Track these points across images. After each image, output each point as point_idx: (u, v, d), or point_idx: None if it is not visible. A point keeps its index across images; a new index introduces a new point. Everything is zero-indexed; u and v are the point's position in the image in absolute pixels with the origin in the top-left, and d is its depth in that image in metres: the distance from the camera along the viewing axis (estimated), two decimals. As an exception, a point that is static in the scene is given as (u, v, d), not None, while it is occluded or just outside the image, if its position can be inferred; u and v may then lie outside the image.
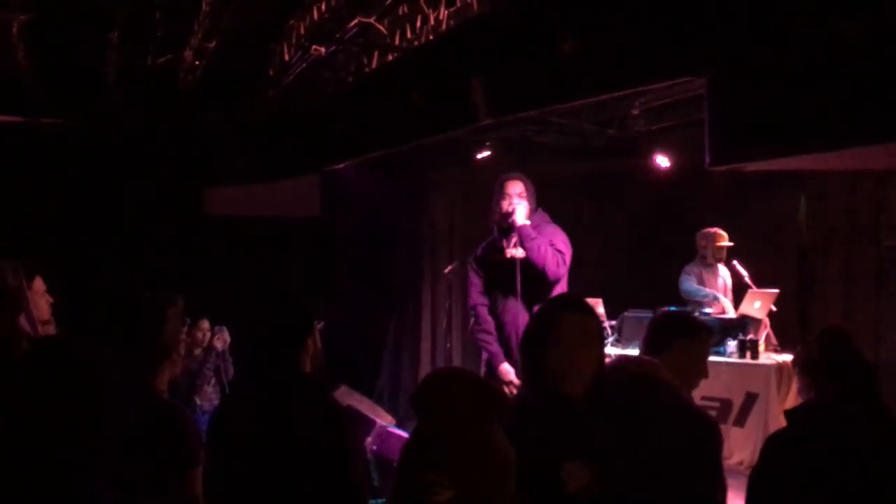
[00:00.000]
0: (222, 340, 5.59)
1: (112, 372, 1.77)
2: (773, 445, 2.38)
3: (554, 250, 4.35)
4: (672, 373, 2.45)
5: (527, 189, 4.48)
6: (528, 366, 2.22)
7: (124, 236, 6.59)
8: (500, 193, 4.48)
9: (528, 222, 4.39)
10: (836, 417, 2.29)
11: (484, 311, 4.59)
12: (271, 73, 5.60)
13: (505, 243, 4.42)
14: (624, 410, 2.15)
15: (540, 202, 4.67)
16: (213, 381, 5.38)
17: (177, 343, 2.91)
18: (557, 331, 2.13)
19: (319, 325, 2.65)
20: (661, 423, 2.18)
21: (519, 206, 4.39)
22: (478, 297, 4.62)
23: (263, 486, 2.27)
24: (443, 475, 1.47)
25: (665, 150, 6.84)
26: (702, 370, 2.64)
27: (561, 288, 4.41)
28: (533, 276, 4.34)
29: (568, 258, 4.40)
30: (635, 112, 6.17)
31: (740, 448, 5.67)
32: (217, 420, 2.56)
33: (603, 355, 2.23)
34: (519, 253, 4.35)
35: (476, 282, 4.64)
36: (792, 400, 5.29)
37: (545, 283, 4.34)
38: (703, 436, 2.30)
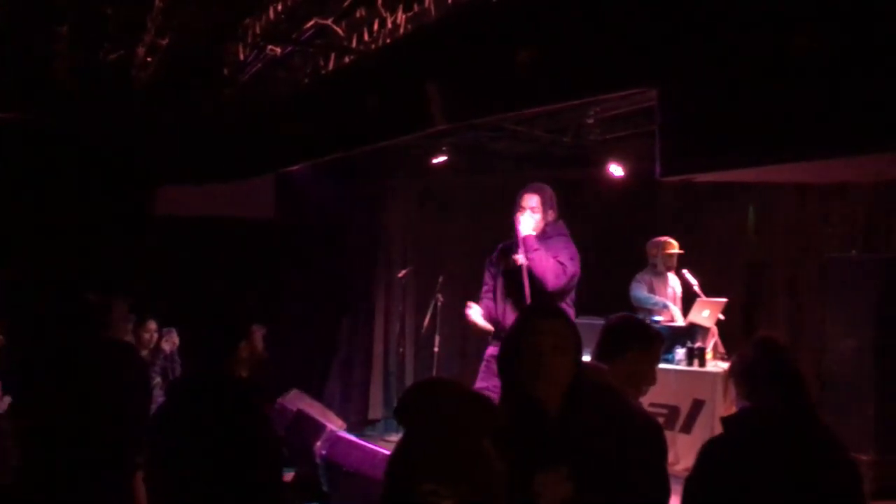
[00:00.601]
0: (171, 342, 5.51)
1: (49, 371, 1.74)
2: (709, 451, 2.42)
3: (556, 262, 4.48)
4: (622, 379, 2.48)
5: (543, 202, 4.68)
6: (504, 374, 2.20)
7: (72, 234, 6.44)
8: (517, 205, 4.72)
9: (532, 233, 4.57)
10: (770, 424, 2.34)
11: (487, 303, 4.80)
12: (226, 72, 5.53)
13: (517, 250, 4.61)
14: (585, 417, 2.16)
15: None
16: (159, 383, 5.30)
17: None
18: (530, 337, 2.12)
19: (262, 330, 2.62)
20: (613, 429, 2.19)
21: (526, 218, 4.60)
22: (484, 296, 4.86)
23: (189, 492, 2.25)
24: (442, 485, 1.49)
25: (618, 160, 6.93)
26: (651, 377, 2.67)
27: (569, 299, 4.59)
28: (539, 284, 4.50)
29: (570, 270, 4.52)
30: (590, 121, 6.25)
31: (687, 454, 5.75)
32: (153, 423, 2.54)
33: (579, 362, 2.20)
34: (523, 260, 4.53)
35: (487, 282, 4.88)
36: (728, 407, 5.40)
37: (549, 292, 4.47)
38: (651, 441, 2.32)
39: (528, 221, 4.61)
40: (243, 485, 2.24)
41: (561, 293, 4.52)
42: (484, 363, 4.78)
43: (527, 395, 2.09)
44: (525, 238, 4.54)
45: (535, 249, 4.50)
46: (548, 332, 2.12)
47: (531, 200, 4.68)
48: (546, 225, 4.67)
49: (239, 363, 2.43)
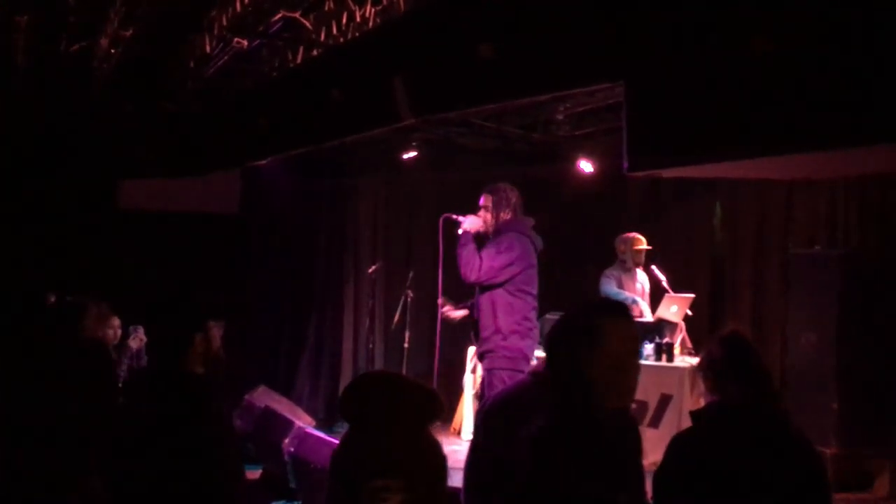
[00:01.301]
0: (138, 339, 5.42)
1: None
2: (677, 445, 2.44)
3: (475, 259, 4.86)
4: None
5: (495, 201, 4.97)
6: (562, 377, 1.94)
7: (32, 229, 6.32)
8: None
9: (468, 229, 4.95)
10: (738, 418, 2.36)
11: None
12: (191, 64, 5.46)
13: None
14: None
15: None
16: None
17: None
18: (628, 344, 1.95)
19: (219, 327, 2.59)
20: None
21: (473, 215, 5.00)
22: None
23: (148, 489, 2.21)
24: (391, 480, 1.49)
25: (587, 156, 6.95)
26: None
27: (513, 288, 4.86)
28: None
29: (487, 266, 4.83)
30: (559, 117, 6.25)
31: (654, 449, 5.74)
32: (112, 420, 2.50)
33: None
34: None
35: None
36: (695, 401, 5.45)
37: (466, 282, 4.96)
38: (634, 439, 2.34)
39: (472, 219, 4.98)
40: (200, 483, 2.21)
41: (482, 284, 4.87)
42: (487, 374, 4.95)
43: (596, 401, 1.89)
44: (461, 234, 4.97)
45: (461, 245, 4.92)
46: (624, 333, 1.97)
47: (483, 199, 5.02)
48: (499, 223, 4.93)
49: (194, 360, 2.39)
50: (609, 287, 6.71)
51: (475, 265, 4.82)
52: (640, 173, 3.59)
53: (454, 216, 5.07)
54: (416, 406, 1.60)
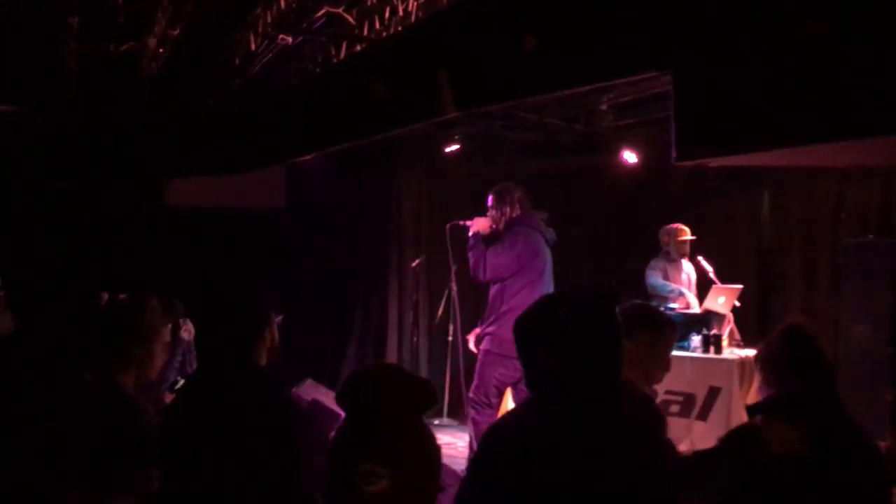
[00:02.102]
0: (188, 332, 5.50)
1: (70, 371, 1.74)
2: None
3: (481, 259, 5.11)
4: (633, 364, 2.47)
5: (498, 200, 5.17)
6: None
7: (83, 226, 6.47)
8: None
9: (479, 232, 5.18)
10: (800, 412, 2.32)
11: None
12: (237, 62, 5.53)
13: None
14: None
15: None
16: (176, 369, 5.30)
17: (151, 344, 2.86)
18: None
19: (278, 319, 2.61)
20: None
21: (478, 219, 5.23)
22: None
23: (209, 478, 2.24)
24: (377, 465, 1.54)
25: (630, 147, 6.89)
26: (664, 364, 2.66)
27: (507, 283, 5.11)
28: None
29: (492, 264, 5.08)
30: (603, 108, 6.21)
31: (703, 442, 5.73)
32: (172, 410, 2.52)
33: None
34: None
35: None
36: (753, 395, 5.36)
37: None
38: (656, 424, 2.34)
39: (480, 221, 5.21)
40: (272, 474, 2.23)
41: (491, 282, 5.14)
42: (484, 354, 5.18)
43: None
44: (470, 236, 5.23)
45: (472, 247, 5.17)
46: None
47: (489, 200, 5.23)
48: (506, 220, 5.15)
49: (261, 352, 2.42)
50: (655, 279, 6.65)
51: (480, 266, 5.12)
52: (689, 163, 3.54)
53: (461, 222, 5.35)
54: (406, 396, 1.65)
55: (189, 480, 2.31)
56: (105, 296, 4.81)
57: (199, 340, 2.51)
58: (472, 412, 5.20)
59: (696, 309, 6.42)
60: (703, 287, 6.59)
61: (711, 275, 6.52)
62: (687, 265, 6.74)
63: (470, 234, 5.21)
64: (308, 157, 6.56)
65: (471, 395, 5.25)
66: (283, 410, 2.36)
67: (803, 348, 2.42)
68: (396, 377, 1.73)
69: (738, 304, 6.28)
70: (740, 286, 6.31)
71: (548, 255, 5.23)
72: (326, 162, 7.03)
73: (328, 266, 8.02)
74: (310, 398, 6.01)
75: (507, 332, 4.87)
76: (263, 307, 2.53)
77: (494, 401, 5.19)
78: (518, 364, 2.06)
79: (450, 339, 7.52)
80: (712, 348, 5.99)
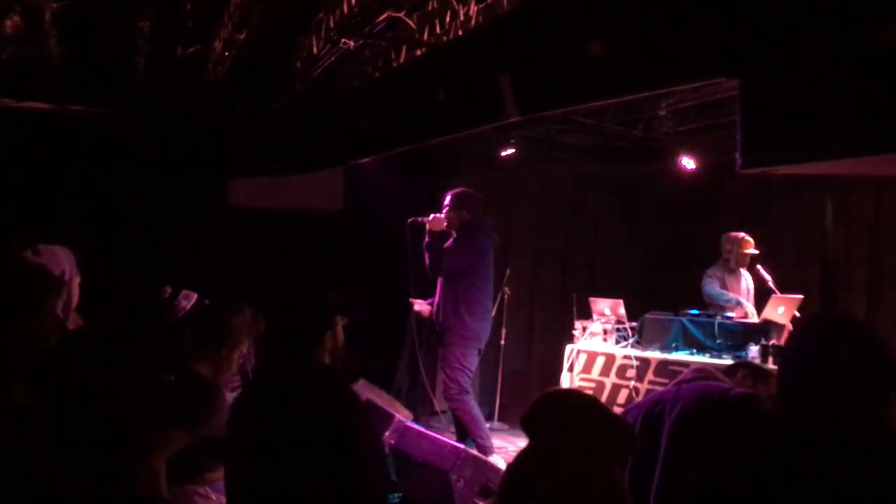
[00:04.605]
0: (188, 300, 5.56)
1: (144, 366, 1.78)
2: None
3: (438, 256, 5.76)
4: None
5: (455, 202, 5.84)
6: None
7: (148, 226, 6.62)
8: None
9: (434, 230, 5.82)
10: None
11: None
12: (299, 65, 5.61)
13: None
14: None
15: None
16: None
17: (235, 349, 2.92)
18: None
19: (343, 321, 2.66)
20: None
21: (434, 216, 5.86)
22: None
23: (276, 477, 2.27)
24: None
25: (688, 153, 6.81)
26: None
27: (458, 281, 5.76)
28: None
29: (448, 261, 5.73)
30: (662, 113, 6.15)
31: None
32: (235, 410, 2.58)
33: None
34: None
35: None
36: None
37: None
38: None
39: (436, 219, 5.85)
40: (336, 474, 2.26)
41: (446, 277, 5.79)
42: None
43: None
44: (427, 231, 5.87)
45: (428, 244, 5.82)
46: None
47: (447, 200, 5.89)
48: (461, 222, 5.78)
49: (323, 352, 2.46)
50: (712, 288, 6.56)
51: (439, 262, 5.70)
52: (755, 170, 3.48)
53: (419, 219, 5.88)
54: (606, 438, 1.45)
55: (255, 479, 2.35)
56: (168, 289, 4.91)
57: (266, 339, 2.56)
58: (464, 398, 5.81)
59: (754, 318, 6.32)
60: (763, 296, 6.48)
61: (770, 284, 6.40)
62: (745, 274, 6.64)
63: (427, 230, 5.79)
64: (366, 159, 6.62)
65: (462, 384, 5.79)
66: (349, 410, 2.39)
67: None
68: (596, 414, 1.51)
69: (798, 314, 6.16)
70: (800, 296, 6.19)
71: (492, 256, 5.90)
72: (384, 165, 7.09)
73: (383, 268, 8.07)
74: (363, 398, 6.07)
75: (476, 323, 5.65)
76: (328, 308, 2.57)
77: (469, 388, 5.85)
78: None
79: (502, 342, 7.52)
80: (771, 359, 5.89)
